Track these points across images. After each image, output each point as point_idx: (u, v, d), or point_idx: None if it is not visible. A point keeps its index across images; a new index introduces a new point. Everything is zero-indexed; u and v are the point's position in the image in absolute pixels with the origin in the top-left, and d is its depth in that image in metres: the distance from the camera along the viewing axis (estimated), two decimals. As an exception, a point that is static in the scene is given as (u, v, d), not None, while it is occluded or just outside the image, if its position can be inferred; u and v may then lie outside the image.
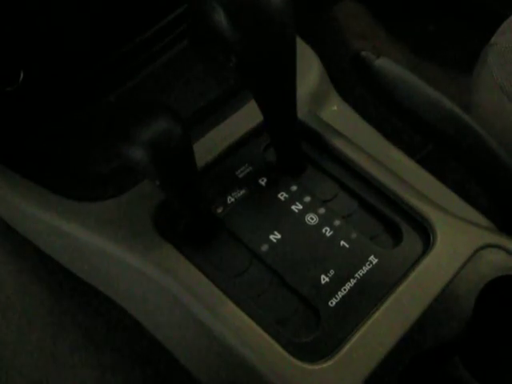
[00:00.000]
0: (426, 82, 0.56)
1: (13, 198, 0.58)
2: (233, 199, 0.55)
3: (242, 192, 0.55)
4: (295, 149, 0.56)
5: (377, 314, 0.48)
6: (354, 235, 0.52)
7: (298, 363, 0.46)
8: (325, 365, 0.45)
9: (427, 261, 0.50)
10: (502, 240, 0.52)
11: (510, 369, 0.50)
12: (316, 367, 0.45)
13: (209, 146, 0.57)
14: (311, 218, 0.53)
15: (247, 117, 0.59)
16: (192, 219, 0.51)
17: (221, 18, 0.45)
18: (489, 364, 0.50)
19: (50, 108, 0.60)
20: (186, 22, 0.70)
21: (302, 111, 0.59)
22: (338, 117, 0.62)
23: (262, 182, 0.56)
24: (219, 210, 0.54)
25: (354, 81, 0.64)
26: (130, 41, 0.66)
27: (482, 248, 0.51)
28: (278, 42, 0.46)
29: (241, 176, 0.56)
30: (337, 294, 0.49)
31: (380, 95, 0.57)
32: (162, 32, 0.68)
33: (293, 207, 0.54)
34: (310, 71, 0.63)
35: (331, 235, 0.52)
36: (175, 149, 0.46)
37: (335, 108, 0.63)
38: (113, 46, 0.65)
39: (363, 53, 0.57)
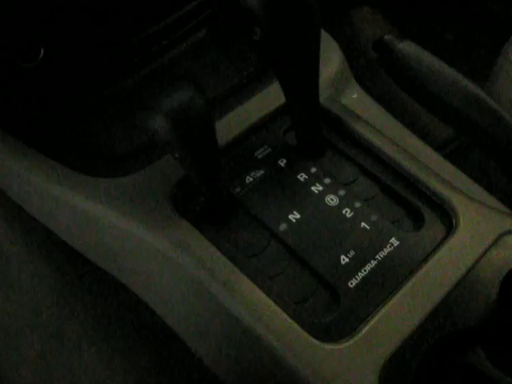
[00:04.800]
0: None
1: (23, 172, 0.57)
2: (251, 179, 0.54)
3: (261, 172, 0.54)
4: (316, 131, 0.55)
5: (398, 296, 0.46)
6: (374, 217, 0.51)
7: (318, 343, 0.44)
8: (345, 345, 0.44)
9: (450, 244, 0.49)
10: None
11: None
12: (336, 347, 0.44)
13: (229, 127, 0.56)
14: (331, 199, 0.52)
15: (268, 100, 0.58)
16: (210, 197, 0.50)
17: None
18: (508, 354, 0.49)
19: (70, 87, 0.59)
20: (207, 10, 0.70)
21: (323, 96, 0.58)
22: (358, 104, 0.61)
23: (282, 163, 0.55)
24: (237, 190, 0.53)
25: (373, 75, 0.63)
26: (150, 26, 0.66)
27: (506, 234, 0.50)
28: (302, 14, 0.46)
29: (260, 157, 0.55)
30: (357, 274, 0.48)
31: (403, 78, 0.56)
32: (183, 19, 0.68)
33: (312, 188, 0.53)
34: (331, 58, 0.63)
35: (352, 216, 0.51)
36: (196, 118, 0.45)
37: (355, 96, 0.63)
38: (134, 30, 0.65)
39: (386, 37, 0.56)
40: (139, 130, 0.53)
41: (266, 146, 0.56)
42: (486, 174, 0.63)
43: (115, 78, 0.63)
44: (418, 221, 0.52)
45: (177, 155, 0.46)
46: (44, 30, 0.58)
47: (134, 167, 0.54)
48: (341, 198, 0.52)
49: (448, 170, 0.57)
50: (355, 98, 0.62)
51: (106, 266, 0.60)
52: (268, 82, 0.59)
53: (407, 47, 0.55)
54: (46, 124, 0.58)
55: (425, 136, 0.61)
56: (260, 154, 0.55)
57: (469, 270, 0.48)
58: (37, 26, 0.57)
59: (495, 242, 0.49)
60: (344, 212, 0.51)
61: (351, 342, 0.44)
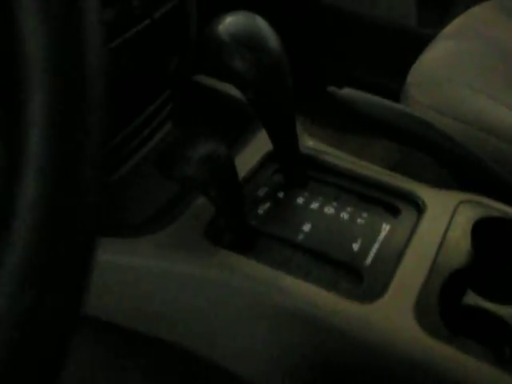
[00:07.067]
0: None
1: None
2: (262, 211, 0.67)
3: (268, 205, 0.67)
4: (301, 169, 0.70)
5: (404, 259, 0.60)
6: (365, 214, 0.66)
7: (361, 305, 0.57)
8: (382, 300, 0.57)
9: (425, 219, 0.65)
10: (475, 197, 0.68)
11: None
12: (373, 305, 0.57)
13: None
14: (328, 210, 0.66)
15: (254, 152, 0.73)
16: (237, 228, 0.63)
17: (242, 63, 0.60)
18: (496, 288, 0.63)
19: None
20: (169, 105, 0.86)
21: None
22: (317, 147, 0.77)
23: (280, 195, 0.69)
24: (254, 222, 0.66)
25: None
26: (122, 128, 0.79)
27: (464, 202, 0.67)
28: (279, 79, 0.62)
29: (261, 194, 0.69)
30: (369, 254, 0.62)
31: (354, 117, 0.73)
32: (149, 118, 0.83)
33: (311, 206, 0.67)
34: None
35: (349, 217, 0.65)
36: (224, 162, 0.58)
37: (311, 143, 0.79)
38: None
39: (329, 88, 0.74)
40: (163, 188, 0.65)
41: (263, 187, 0.70)
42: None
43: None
44: (395, 212, 0.67)
45: (212, 194, 0.59)
46: None
47: (166, 222, 0.65)
48: (335, 208, 0.67)
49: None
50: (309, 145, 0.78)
51: (153, 324, 0.68)
52: (248, 140, 0.74)
53: (348, 92, 0.73)
54: None
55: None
56: (261, 192, 0.69)
57: (446, 230, 0.63)
58: None
59: (457, 207, 0.66)
60: (342, 216, 0.66)
61: (385, 297, 0.57)
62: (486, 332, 0.59)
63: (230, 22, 0.61)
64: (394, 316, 0.56)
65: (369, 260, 0.61)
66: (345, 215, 0.66)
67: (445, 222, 0.65)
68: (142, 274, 0.64)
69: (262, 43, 0.61)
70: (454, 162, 0.72)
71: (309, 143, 0.79)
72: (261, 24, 0.62)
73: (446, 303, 0.59)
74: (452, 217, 0.65)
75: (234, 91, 0.85)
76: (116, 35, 0.72)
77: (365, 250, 0.62)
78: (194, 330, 0.66)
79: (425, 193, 0.68)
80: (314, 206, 0.67)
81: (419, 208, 0.67)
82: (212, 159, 0.58)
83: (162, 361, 0.72)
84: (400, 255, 0.61)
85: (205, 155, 0.57)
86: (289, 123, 0.66)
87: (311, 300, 0.57)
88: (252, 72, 0.61)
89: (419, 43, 1.06)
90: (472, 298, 0.61)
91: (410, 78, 0.91)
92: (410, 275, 0.59)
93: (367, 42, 1.43)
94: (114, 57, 0.74)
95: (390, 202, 0.68)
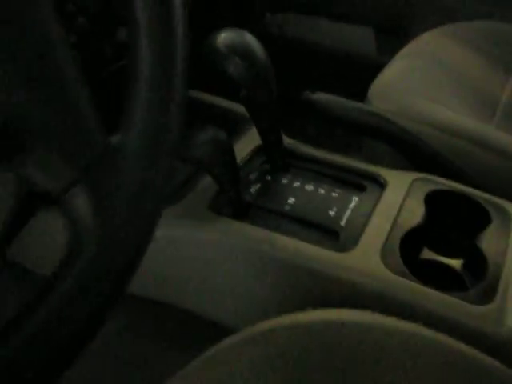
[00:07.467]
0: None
1: None
2: (254, 190, 0.81)
3: (258, 185, 0.82)
4: (284, 159, 0.85)
5: (371, 220, 0.75)
6: (338, 190, 0.81)
7: (339, 254, 0.71)
8: (357, 248, 0.71)
9: (388, 191, 0.80)
10: (426, 176, 0.84)
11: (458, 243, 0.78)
12: (348, 253, 0.71)
13: None
14: (308, 187, 0.81)
15: (245, 146, 0.88)
16: (235, 202, 0.77)
17: (238, 68, 0.75)
18: (446, 245, 0.78)
19: None
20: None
21: None
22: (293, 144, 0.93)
23: (268, 178, 0.83)
24: (248, 198, 0.80)
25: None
26: None
27: (418, 179, 0.82)
28: (266, 81, 0.78)
29: (252, 178, 0.83)
30: (342, 218, 0.76)
31: (326, 118, 0.89)
32: None
33: (294, 184, 0.82)
34: None
35: (325, 192, 0.80)
36: (224, 145, 0.73)
37: (288, 141, 0.94)
38: None
39: (303, 94, 0.89)
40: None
41: (253, 172, 0.84)
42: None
43: None
44: (362, 189, 0.82)
45: (216, 172, 0.74)
46: None
47: (173, 201, 0.78)
48: (314, 186, 0.82)
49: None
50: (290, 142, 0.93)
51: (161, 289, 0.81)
52: (241, 136, 0.89)
53: (319, 95, 0.89)
54: None
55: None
56: (252, 176, 0.84)
57: (403, 200, 0.78)
58: None
59: (413, 183, 0.81)
60: (319, 191, 0.81)
61: (357, 247, 0.71)
62: (441, 280, 0.73)
63: (225, 36, 0.77)
64: (365, 260, 0.70)
65: (343, 222, 0.76)
66: (321, 191, 0.81)
67: (402, 193, 0.80)
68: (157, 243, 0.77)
69: (251, 53, 0.77)
70: (410, 149, 0.88)
71: (289, 141, 0.94)
72: (249, 38, 0.78)
73: (407, 258, 0.74)
74: (408, 190, 0.80)
75: (224, 103, 1.00)
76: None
77: (339, 215, 0.77)
78: (197, 292, 0.80)
79: (386, 173, 0.83)
80: (297, 184, 0.82)
81: (381, 184, 0.82)
82: (215, 142, 0.72)
83: (167, 324, 0.85)
84: (367, 218, 0.76)
85: (209, 139, 0.72)
86: (274, 120, 0.82)
87: (299, 252, 0.72)
88: (244, 76, 0.76)
89: (378, 69, 1.23)
90: (427, 254, 0.76)
91: (370, 91, 1.07)
92: (376, 232, 0.74)
93: (331, 71, 1.61)
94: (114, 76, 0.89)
95: (357, 182, 0.83)
